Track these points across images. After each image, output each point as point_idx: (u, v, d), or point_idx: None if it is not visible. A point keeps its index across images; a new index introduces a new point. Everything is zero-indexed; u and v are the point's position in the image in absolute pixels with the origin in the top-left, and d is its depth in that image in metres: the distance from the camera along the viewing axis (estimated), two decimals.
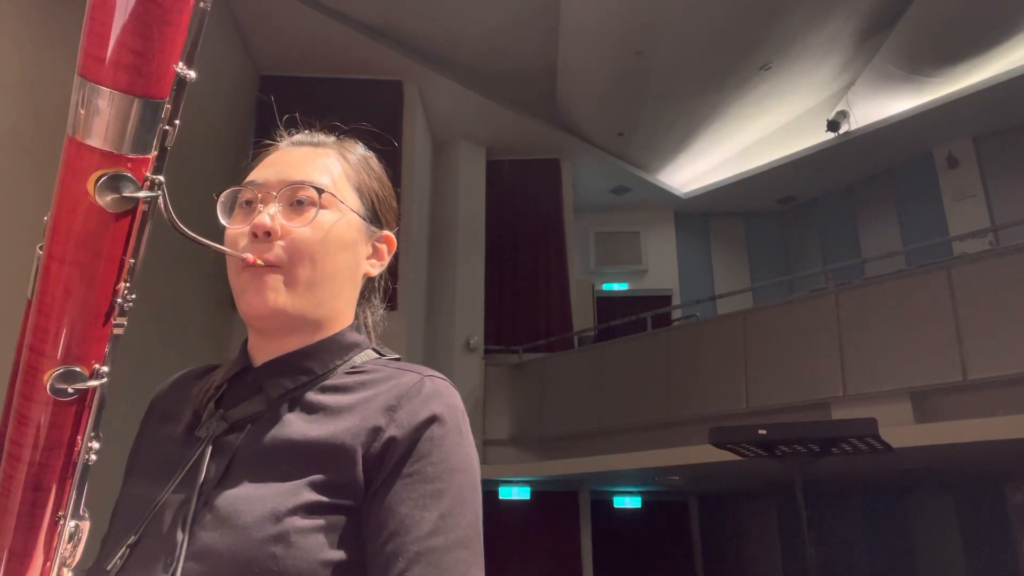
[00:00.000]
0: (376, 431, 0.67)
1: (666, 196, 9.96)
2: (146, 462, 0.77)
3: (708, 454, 4.72)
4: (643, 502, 8.67)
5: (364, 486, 0.66)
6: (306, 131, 0.85)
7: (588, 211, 9.88)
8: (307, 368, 0.74)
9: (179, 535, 0.64)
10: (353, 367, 0.76)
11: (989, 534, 6.96)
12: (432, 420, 0.68)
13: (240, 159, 6.22)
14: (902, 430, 4.58)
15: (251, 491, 0.65)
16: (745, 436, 3.84)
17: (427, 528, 0.64)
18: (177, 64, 0.50)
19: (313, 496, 0.64)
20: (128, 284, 0.56)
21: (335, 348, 0.76)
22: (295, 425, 0.69)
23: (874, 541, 7.87)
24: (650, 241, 10.20)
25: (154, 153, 0.52)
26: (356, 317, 0.82)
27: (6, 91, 3.59)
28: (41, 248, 0.56)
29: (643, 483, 7.97)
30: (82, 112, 0.49)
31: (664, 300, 9.60)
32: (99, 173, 0.50)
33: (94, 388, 0.57)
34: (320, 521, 0.63)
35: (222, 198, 0.76)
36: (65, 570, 0.61)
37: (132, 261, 0.55)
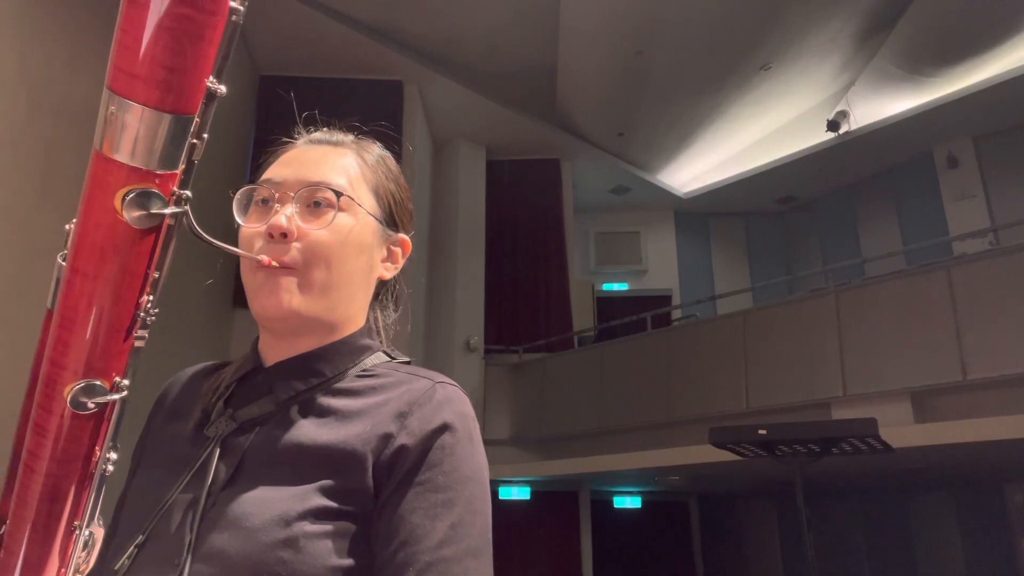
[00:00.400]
0: (387, 438, 0.67)
1: (666, 196, 9.96)
2: (154, 459, 0.76)
3: (708, 454, 4.73)
4: (643, 502, 8.67)
5: (374, 493, 0.65)
6: (324, 128, 0.84)
7: (588, 211, 9.88)
8: (318, 370, 0.73)
9: (187, 536, 0.64)
10: (364, 370, 0.75)
11: (989, 534, 6.97)
12: (444, 428, 0.68)
13: (240, 159, 6.21)
14: (902, 430, 4.59)
15: (260, 494, 0.64)
16: (745, 436, 3.84)
17: (438, 538, 0.63)
18: (208, 78, 0.50)
19: (322, 501, 0.63)
20: (152, 298, 0.55)
21: (346, 351, 0.75)
22: (305, 428, 0.69)
23: (874, 541, 7.88)
24: (650, 241, 10.20)
25: (181, 167, 0.52)
26: (368, 320, 0.81)
27: (6, 91, 3.58)
28: (63, 258, 0.55)
29: (643, 483, 7.97)
30: (110, 126, 0.48)
31: (664, 300, 9.60)
32: (126, 189, 0.49)
33: (114, 401, 0.57)
34: (329, 527, 0.63)
35: (238, 195, 0.75)
36: None
37: (156, 275, 0.55)
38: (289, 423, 0.70)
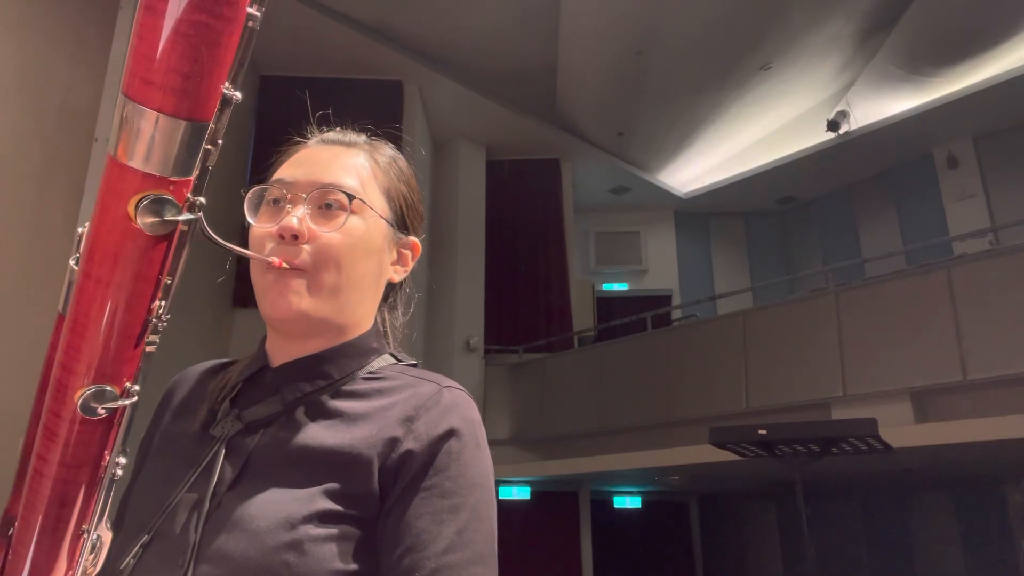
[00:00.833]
0: (393, 442, 0.67)
1: (666, 196, 9.96)
2: (160, 456, 0.76)
3: (708, 454, 4.73)
4: (643, 502, 8.68)
5: (379, 497, 0.65)
6: (338, 129, 0.84)
7: (588, 211, 9.88)
8: (325, 372, 0.73)
9: (191, 537, 0.63)
10: (370, 373, 0.75)
11: (989, 534, 6.97)
12: (450, 434, 0.68)
13: (240, 158, 6.22)
14: (902, 430, 4.59)
15: (265, 495, 0.64)
16: (745, 436, 3.84)
17: (444, 544, 0.63)
18: (224, 85, 0.49)
19: (328, 504, 0.63)
20: (164, 303, 0.55)
21: (354, 353, 0.75)
22: (311, 431, 0.69)
23: (874, 541, 7.88)
24: (650, 241, 10.20)
25: (195, 173, 0.51)
26: (376, 322, 0.81)
27: (6, 91, 3.58)
28: (75, 262, 0.55)
29: (643, 483, 7.97)
30: (125, 132, 0.48)
31: (664, 300, 9.60)
32: (140, 196, 0.49)
33: (124, 407, 0.57)
34: (334, 530, 0.63)
35: (249, 195, 0.74)
36: None
37: (168, 280, 0.55)
38: (295, 425, 0.70)
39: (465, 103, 7.43)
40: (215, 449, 0.69)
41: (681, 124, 8.46)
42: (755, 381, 5.78)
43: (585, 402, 6.97)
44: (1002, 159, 7.88)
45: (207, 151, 0.51)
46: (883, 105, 7.99)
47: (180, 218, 0.51)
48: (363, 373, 0.75)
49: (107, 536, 0.64)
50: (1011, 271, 4.73)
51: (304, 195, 0.73)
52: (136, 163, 0.48)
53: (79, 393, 0.54)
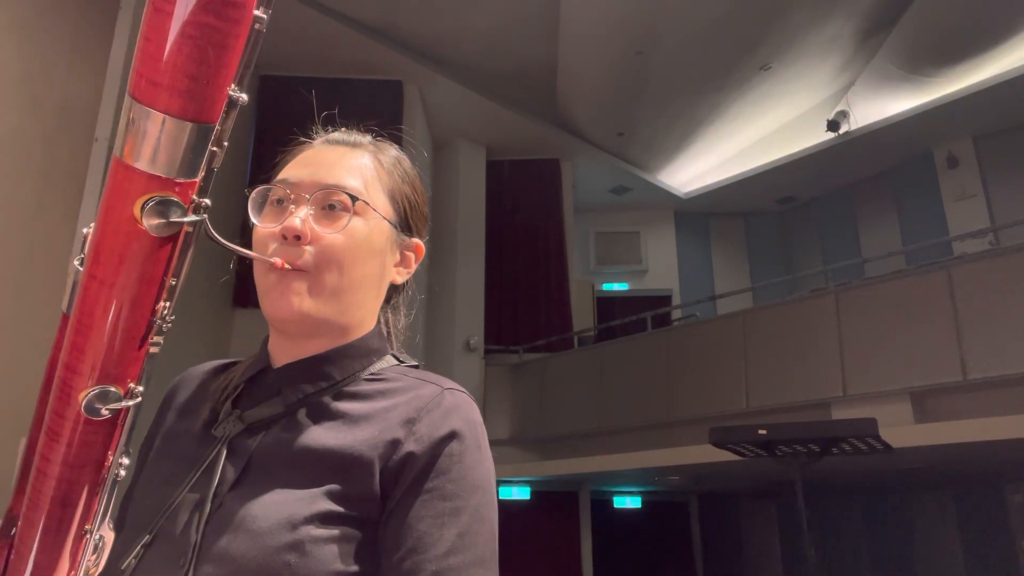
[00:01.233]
0: (395, 444, 0.67)
1: (666, 196, 9.96)
2: (161, 456, 0.76)
3: (708, 454, 4.73)
4: (643, 502, 8.68)
5: (381, 499, 0.65)
6: (343, 129, 0.84)
7: (588, 211, 9.88)
8: (327, 373, 0.73)
9: (193, 537, 0.64)
10: (372, 374, 0.75)
11: (989, 534, 6.98)
12: (452, 436, 0.68)
13: (240, 158, 6.21)
14: (902, 430, 4.59)
15: (267, 496, 0.64)
16: (745, 436, 3.84)
17: (445, 547, 0.63)
18: (230, 87, 0.49)
19: (329, 505, 0.63)
20: (168, 304, 0.55)
21: (356, 354, 0.75)
22: (313, 432, 0.69)
23: (874, 541, 7.89)
24: (650, 241, 10.20)
25: (201, 175, 0.52)
26: (379, 323, 0.81)
27: (6, 91, 3.58)
28: (79, 263, 0.55)
29: (643, 483, 7.97)
30: (131, 134, 0.48)
31: (664, 300, 9.60)
32: (146, 197, 0.49)
33: (128, 408, 0.57)
34: (335, 532, 0.63)
35: (253, 195, 0.74)
36: None
37: (173, 282, 0.55)
38: (297, 426, 0.70)
39: (465, 103, 7.43)
40: (217, 449, 0.69)
41: (681, 124, 8.46)
42: (755, 381, 5.78)
43: (585, 402, 6.98)
44: (1002, 159, 7.88)
45: (213, 153, 0.51)
46: (883, 105, 7.99)
47: (185, 220, 0.51)
48: (365, 374, 0.75)
49: (110, 536, 0.64)
50: (1011, 271, 4.73)
51: (307, 196, 0.73)
52: (142, 165, 0.48)
53: (83, 394, 0.54)
